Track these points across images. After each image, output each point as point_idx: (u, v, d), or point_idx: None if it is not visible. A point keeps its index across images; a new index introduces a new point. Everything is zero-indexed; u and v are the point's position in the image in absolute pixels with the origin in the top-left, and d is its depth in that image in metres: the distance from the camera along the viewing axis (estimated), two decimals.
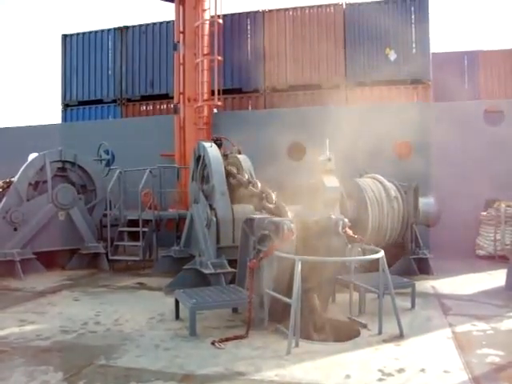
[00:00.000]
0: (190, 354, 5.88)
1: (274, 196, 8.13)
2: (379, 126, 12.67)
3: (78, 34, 19.62)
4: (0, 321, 7.31)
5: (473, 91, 17.43)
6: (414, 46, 16.32)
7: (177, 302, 7.41)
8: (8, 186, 12.03)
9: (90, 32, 19.43)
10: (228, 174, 9.84)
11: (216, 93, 14.81)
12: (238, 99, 17.54)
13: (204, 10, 15.23)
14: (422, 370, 5.30)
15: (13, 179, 11.91)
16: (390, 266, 6.92)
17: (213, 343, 6.13)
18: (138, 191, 11.95)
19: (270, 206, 7.88)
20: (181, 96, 15.32)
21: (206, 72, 15.00)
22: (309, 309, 6.83)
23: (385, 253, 6.70)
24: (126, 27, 18.85)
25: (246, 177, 9.49)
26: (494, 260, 12.24)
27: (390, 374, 5.19)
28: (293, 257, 6.36)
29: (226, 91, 15.78)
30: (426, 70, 16.08)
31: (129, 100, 18.66)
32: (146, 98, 18.54)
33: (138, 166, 12.86)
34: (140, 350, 6.03)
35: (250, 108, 17.29)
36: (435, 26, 33.04)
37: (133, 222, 12.37)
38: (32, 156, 12.44)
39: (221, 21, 15.33)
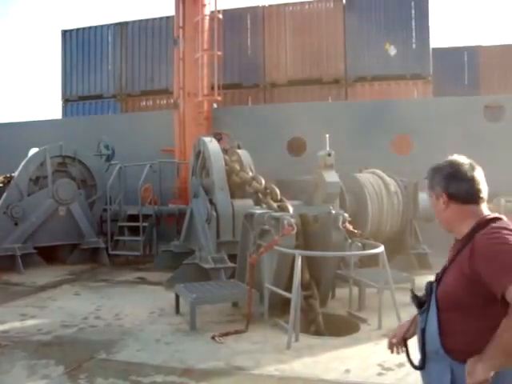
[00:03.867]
0: (190, 348, 5.90)
1: (278, 192, 8.14)
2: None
3: (77, 30, 19.59)
4: (1, 315, 7.33)
5: (473, 87, 17.43)
6: (414, 41, 16.32)
7: (177, 297, 7.43)
8: (9, 181, 12.04)
9: (90, 27, 19.40)
10: (230, 171, 9.84)
11: (216, 88, 14.79)
12: (238, 94, 17.53)
13: (204, 5, 15.19)
14: None
15: (13, 174, 11.92)
16: (389, 260, 6.93)
17: (213, 337, 6.15)
18: (138, 186, 11.97)
19: (274, 204, 7.89)
20: (181, 91, 15.29)
21: (205, 67, 14.98)
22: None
23: (384, 248, 6.71)
24: (126, 22, 18.82)
25: (250, 174, 9.48)
26: None
27: (389, 369, 5.20)
28: (293, 251, 6.37)
29: (225, 86, 15.76)
30: (426, 65, 16.09)
31: (129, 95, 18.65)
32: (145, 93, 18.53)
33: (138, 161, 12.87)
34: (140, 345, 6.05)
35: (249, 103, 17.29)
36: (435, 22, 33.01)
37: (133, 217, 12.39)
38: (32, 151, 12.45)
39: (221, 16, 15.30)
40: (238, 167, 9.83)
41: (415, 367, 2.41)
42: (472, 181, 2.28)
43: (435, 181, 2.39)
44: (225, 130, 12.56)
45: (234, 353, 5.69)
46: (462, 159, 2.37)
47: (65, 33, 19.70)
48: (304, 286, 6.82)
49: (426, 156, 13.03)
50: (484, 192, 2.31)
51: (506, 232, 2.10)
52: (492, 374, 2.00)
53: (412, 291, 2.51)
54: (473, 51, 17.83)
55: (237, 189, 9.80)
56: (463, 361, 2.09)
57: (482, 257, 2.07)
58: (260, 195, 8.52)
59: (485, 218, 2.24)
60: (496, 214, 2.27)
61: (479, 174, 2.31)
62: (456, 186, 2.29)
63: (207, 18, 15.20)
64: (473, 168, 2.31)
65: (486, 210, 2.31)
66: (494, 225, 2.17)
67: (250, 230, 7.58)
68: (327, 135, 8.67)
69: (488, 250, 2.07)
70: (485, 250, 2.08)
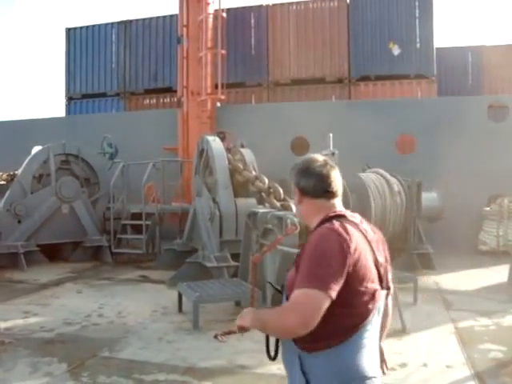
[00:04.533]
0: (193, 346, 5.91)
1: (281, 191, 8.14)
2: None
3: (81, 28, 19.59)
4: (4, 312, 7.35)
5: (477, 86, 17.39)
6: (418, 40, 16.28)
7: (180, 295, 7.44)
8: (12, 179, 12.07)
9: (94, 26, 19.38)
10: (234, 170, 9.83)
11: (219, 86, 14.80)
12: (242, 93, 17.52)
13: (208, 4, 15.20)
14: (425, 365, 5.31)
15: (17, 172, 11.94)
16: (392, 260, 6.90)
17: (215, 336, 6.09)
18: (141, 184, 11.99)
19: (278, 204, 7.88)
20: (184, 89, 15.31)
21: (209, 66, 14.99)
22: None
23: (387, 247, 6.69)
24: (130, 21, 18.80)
25: (254, 173, 9.47)
26: (497, 255, 12.22)
27: (392, 369, 5.17)
28: (296, 251, 6.36)
29: (229, 85, 15.76)
30: (429, 65, 16.06)
31: (132, 93, 18.65)
32: (149, 92, 18.53)
33: (141, 160, 12.88)
34: (143, 343, 6.05)
35: (253, 102, 17.28)
36: (439, 21, 32.86)
37: (136, 216, 12.40)
38: (36, 149, 12.47)
39: (224, 14, 15.31)
40: (241, 166, 9.82)
41: (269, 358, 2.51)
42: (320, 176, 2.34)
43: (292, 177, 2.47)
44: (228, 129, 12.54)
45: (237, 352, 5.68)
46: (316, 157, 2.43)
47: (69, 31, 19.71)
48: None
49: (430, 156, 13.13)
50: (334, 187, 2.36)
51: (329, 236, 2.16)
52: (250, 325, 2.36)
53: (269, 283, 2.96)
54: (477, 51, 17.76)
55: (240, 188, 9.79)
56: (307, 350, 2.20)
57: (304, 256, 2.18)
58: (263, 194, 8.52)
59: (328, 214, 2.31)
60: (341, 211, 2.33)
61: (331, 171, 2.36)
62: (305, 181, 2.36)
63: (211, 16, 15.21)
64: (324, 165, 2.36)
65: (338, 205, 2.38)
66: (327, 225, 2.23)
67: (253, 229, 7.58)
68: (330, 134, 8.66)
69: (307, 252, 2.16)
70: (307, 251, 2.17)
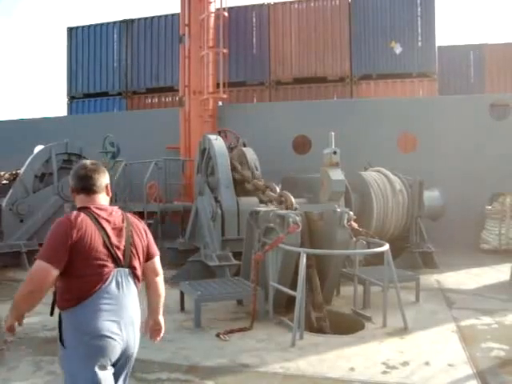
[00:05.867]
0: (195, 345, 5.91)
1: (293, 201, 8.11)
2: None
3: (83, 27, 19.58)
4: (7, 311, 7.34)
5: (479, 85, 17.36)
6: (419, 39, 16.26)
7: (182, 294, 7.45)
8: (14, 178, 12.08)
9: (96, 25, 19.38)
10: (243, 179, 9.81)
11: (221, 85, 14.80)
12: (243, 92, 17.52)
13: (209, 3, 15.21)
14: (427, 363, 5.31)
15: (19, 171, 11.95)
16: (394, 259, 6.92)
17: (217, 335, 6.16)
18: (143, 183, 12.00)
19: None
20: (186, 89, 15.32)
21: (211, 65, 14.99)
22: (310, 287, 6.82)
23: (389, 246, 6.70)
24: (132, 20, 18.80)
25: (263, 182, 9.39)
26: (499, 254, 12.22)
27: (394, 367, 5.20)
28: (298, 249, 6.37)
29: (231, 84, 15.76)
30: (431, 63, 16.04)
31: (134, 92, 18.66)
32: (151, 91, 18.54)
33: (144, 159, 12.88)
34: (145, 342, 6.03)
35: (254, 101, 17.28)
36: (441, 20, 32.75)
37: (138, 214, 12.39)
38: (38, 148, 12.48)
39: (226, 13, 15.31)
40: (249, 175, 9.75)
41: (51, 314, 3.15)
42: (81, 177, 3.05)
43: None
44: (230, 128, 12.56)
45: (239, 350, 5.69)
46: (84, 162, 3.14)
47: (71, 30, 19.71)
48: (316, 306, 6.78)
49: (432, 154, 13.13)
50: (87, 186, 3.03)
51: (60, 222, 2.89)
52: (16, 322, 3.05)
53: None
54: (479, 49, 17.72)
55: (241, 188, 9.78)
56: (60, 307, 3.06)
57: None
58: (275, 203, 8.49)
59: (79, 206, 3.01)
60: (90, 204, 2.99)
61: (89, 173, 3.04)
62: (72, 181, 3.10)
63: (213, 15, 15.20)
64: (84, 168, 3.06)
65: (99, 199, 3.07)
66: (67, 214, 2.94)
67: (255, 227, 7.58)
68: (332, 133, 8.64)
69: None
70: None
